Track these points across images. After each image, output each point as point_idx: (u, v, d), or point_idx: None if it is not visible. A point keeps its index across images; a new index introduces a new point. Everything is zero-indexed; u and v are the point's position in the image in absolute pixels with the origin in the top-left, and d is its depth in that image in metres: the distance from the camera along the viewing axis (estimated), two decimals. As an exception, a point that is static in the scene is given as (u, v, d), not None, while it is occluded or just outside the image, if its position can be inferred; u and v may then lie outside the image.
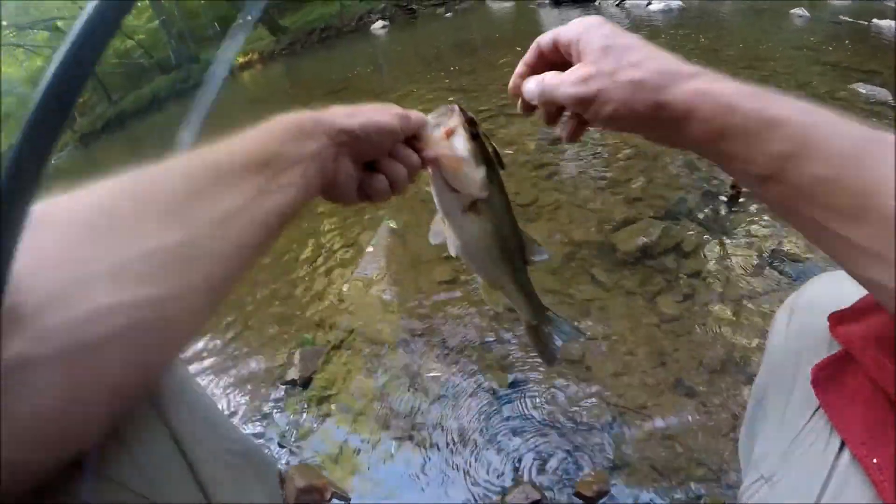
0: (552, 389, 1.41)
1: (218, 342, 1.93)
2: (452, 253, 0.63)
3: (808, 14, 4.53)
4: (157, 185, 0.44)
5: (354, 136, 0.57)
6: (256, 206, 0.49)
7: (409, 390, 1.49)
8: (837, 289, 0.60)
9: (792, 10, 4.62)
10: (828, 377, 0.53)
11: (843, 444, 0.49)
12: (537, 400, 1.39)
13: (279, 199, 0.51)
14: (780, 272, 1.64)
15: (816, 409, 0.53)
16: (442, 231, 0.63)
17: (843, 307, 0.55)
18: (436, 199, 0.61)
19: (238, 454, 0.66)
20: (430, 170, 0.61)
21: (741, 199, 1.98)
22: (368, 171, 0.61)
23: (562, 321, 0.71)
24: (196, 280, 0.44)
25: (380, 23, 8.28)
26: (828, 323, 0.55)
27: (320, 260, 2.26)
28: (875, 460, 0.45)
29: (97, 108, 13.00)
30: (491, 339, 1.60)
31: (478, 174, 0.58)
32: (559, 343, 0.72)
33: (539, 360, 1.49)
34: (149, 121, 10.32)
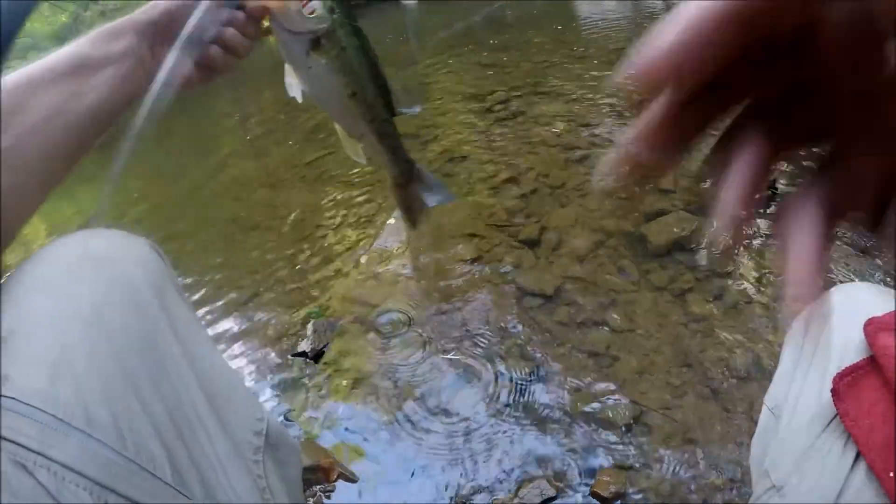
0: (573, 382, 1.36)
1: (227, 308, 1.88)
2: (299, 98, 0.60)
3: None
4: None
5: (160, 23, 0.61)
6: (70, 110, 0.55)
7: (424, 371, 1.45)
8: (854, 300, 0.61)
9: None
10: (848, 386, 0.52)
11: (858, 456, 0.48)
12: (557, 392, 1.34)
13: (93, 100, 0.57)
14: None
15: (832, 419, 0.52)
16: (294, 83, 0.60)
17: (863, 317, 0.54)
18: (280, 50, 0.59)
19: (260, 434, 0.65)
20: (271, 21, 0.61)
21: (778, 199, 1.91)
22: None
23: (432, 178, 0.67)
24: (21, 178, 0.52)
25: (411, -7, 8.09)
26: (864, 329, 0.54)
27: (338, 229, 2.20)
28: (892, 474, 0.44)
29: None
30: (513, 324, 1.55)
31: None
32: (431, 204, 0.67)
33: (566, 349, 1.45)
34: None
